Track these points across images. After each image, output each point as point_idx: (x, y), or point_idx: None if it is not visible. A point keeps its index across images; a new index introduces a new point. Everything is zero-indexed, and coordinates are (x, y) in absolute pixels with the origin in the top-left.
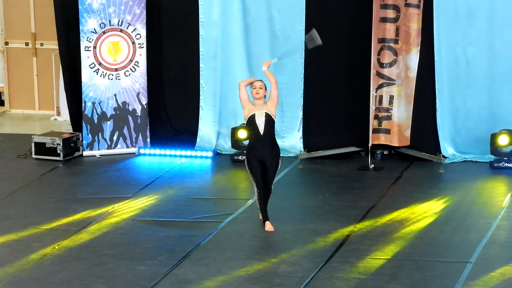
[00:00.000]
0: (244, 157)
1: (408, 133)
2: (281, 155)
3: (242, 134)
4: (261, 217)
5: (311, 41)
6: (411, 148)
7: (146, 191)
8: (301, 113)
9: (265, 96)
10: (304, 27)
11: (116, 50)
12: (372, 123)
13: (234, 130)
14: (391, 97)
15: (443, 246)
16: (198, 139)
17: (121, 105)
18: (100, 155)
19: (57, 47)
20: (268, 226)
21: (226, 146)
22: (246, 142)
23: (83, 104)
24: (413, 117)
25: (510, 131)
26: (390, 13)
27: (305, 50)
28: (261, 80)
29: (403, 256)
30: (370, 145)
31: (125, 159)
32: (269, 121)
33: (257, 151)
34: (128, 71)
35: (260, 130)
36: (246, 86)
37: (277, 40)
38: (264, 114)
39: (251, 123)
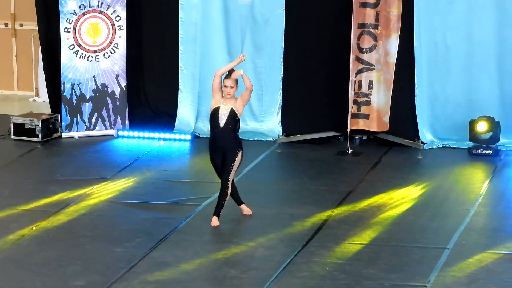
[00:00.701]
0: None
1: (387, 118)
2: (259, 138)
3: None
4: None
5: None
6: (389, 134)
7: (124, 173)
8: (280, 97)
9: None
10: (284, 11)
11: (96, 32)
12: (351, 108)
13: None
14: (371, 82)
15: (420, 232)
16: (176, 122)
17: (100, 87)
18: (78, 137)
19: (37, 28)
20: (245, 210)
21: (204, 129)
22: None
23: (62, 86)
24: (392, 102)
25: (489, 118)
26: None
27: (284, 35)
28: (233, 80)
29: (381, 241)
30: (348, 130)
31: (103, 141)
32: (233, 118)
33: (216, 147)
34: (107, 53)
35: (220, 123)
36: (222, 75)
37: (257, 24)
38: (230, 109)
39: (213, 115)
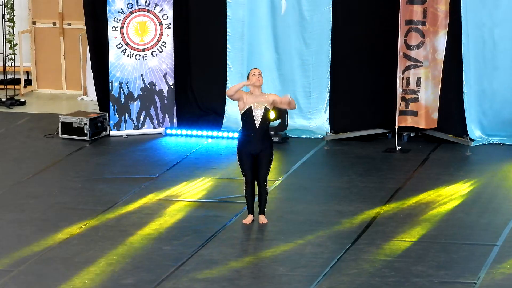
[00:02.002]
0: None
1: (435, 115)
2: (308, 136)
3: (270, 114)
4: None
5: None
6: (437, 130)
7: (172, 171)
8: (328, 95)
9: (260, 87)
10: (331, 8)
11: (143, 30)
12: (399, 105)
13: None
14: (418, 79)
15: (469, 228)
16: (224, 120)
17: (148, 85)
18: (127, 135)
19: (84, 27)
20: (248, 219)
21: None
22: (274, 123)
23: (110, 84)
24: (440, 99)
25: None
26: None
27: (332, 32)
28: (259, 70)
29: (429, 238)
30: (396, 127)
31: (151, 139)
32: (266, 115)
33: (249, 145)
34: (155, 51)
35: (256, 123)
36: (236, 91)
37: (304, 21)
38: (264, 107)
39: (247, 115)
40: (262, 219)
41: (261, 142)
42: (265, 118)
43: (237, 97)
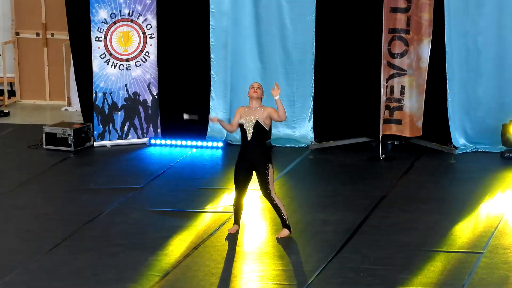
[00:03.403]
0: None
1: (420, 123)
2: (292, 145)
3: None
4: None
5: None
6: (422, 139)
7: (157, 181)
8: (312, 103)
9: (261, 99)
10: (314, 17)
11: (127, 40)
12: (383, 113)
13: None
14: (403, 88)
15: (454, 236)
16: (209, 129)
17: (131, 95)
18: (111, 146)
19: (68, 38)
20: (233, 228)
21: (237, 136)
22: None
23: (94, 95)
24: (424, 107)
25: None
26: (401, 3)
27: (315, 41)
28: (259, 83)
29: (414, 246)
30: (381, 135)
31: (136, 149)
32: (258, 127)
33: (243, 158)
34: (138, 61)
35: (248, 136)
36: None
37: (287, 30)
38: (255, 121)
39: (241, 128)
40: (281, 233)
41: (254, 156)
42: (256, 131)
43: (236, 125)
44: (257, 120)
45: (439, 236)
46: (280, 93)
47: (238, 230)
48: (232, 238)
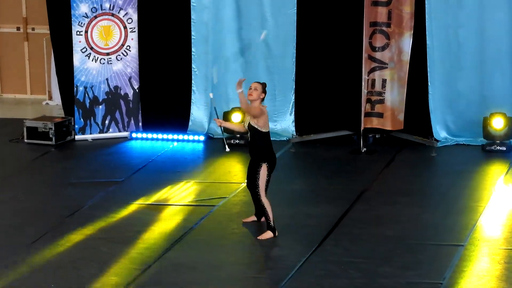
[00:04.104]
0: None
1: (401, 116)
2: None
3: (235, 117)
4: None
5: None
6: (403, 132)
7: (138, 175)
8: (293, 97)
9: (263, 99)
10: (295, 10)
11: (108, 34)
12: (365, 106)
13: (226, 114)
14: (384, 81)
15: (435, 229)
16: (190, 123)
17: (113, 89)
18: (92, 139)
19: (49, 32)
20: (248, 218)
21: (218, 130)
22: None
23: (75, 89)
24: (405, 100)
25: (502, 114)
26: None
27: (296, 35)
28: (256, 82)
29: (395, 239)
30: (362, 128)
31: (117, 143)
32: (252, 130)
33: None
34: (119, 55)
35: (249, 134)
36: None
37: (268, 24)
38: (248, 123)
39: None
40: (263, 235)
41: (252, 152)
42: (251, 131)
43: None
44: (249, 123)
45: (420, 229)
46: None
47: (254, 221)
48: (214, 231)
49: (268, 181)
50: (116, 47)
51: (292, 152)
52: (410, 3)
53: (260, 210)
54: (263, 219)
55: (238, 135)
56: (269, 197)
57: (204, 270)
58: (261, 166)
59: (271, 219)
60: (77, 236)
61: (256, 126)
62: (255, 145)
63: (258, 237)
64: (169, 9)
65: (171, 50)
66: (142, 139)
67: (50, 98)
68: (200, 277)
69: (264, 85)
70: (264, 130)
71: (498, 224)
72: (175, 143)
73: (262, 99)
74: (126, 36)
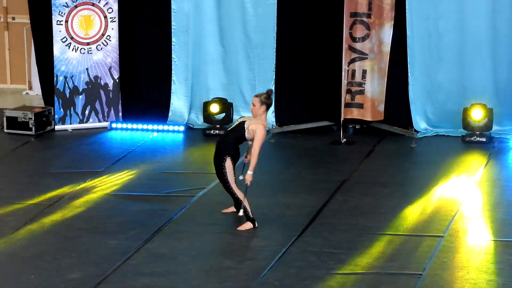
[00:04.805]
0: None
1: (381, 107)
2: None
3: (214, 108)
4: None
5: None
6: (383, 122)
7: (118, 165)
8: (274, 87)
9: (256, 115)
10: (276, 1)
11: (88, 24)
12: (345, 97)
13: (206, 104)
14: (364, 72)
15: (414, 220)
16: (170, 113)
17: (93, 79)
18: (72, 130)
19: (29, 21)
20: (227, 209)
21: (198, 121)
22: (218, 116)
23: (55, 78)
24: (386, 91)
25: (482, 105)
26: None
27: (277, 25)
28: (255, 99)
29: (375, 230)
30: (342, 119)
31: (97, 133)
32: (237, 131)
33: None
34: (100, 45)
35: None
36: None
37: (248, 14)
38: (239, 122)
39: None
40: (243, 226)
41: (218, 145)
42: (234, 129)
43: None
44: (241, 123)
45: (400, 220)
46: (242, 78)
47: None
48: (194, 222)
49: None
50: (96, 37)
51: (272, 143)
52: None
53: (237, 202)
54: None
55: (218, 126)
56: (249, 187)
57: (183, 260)
58: (225, 161)
59: (249, 210)
60: (57, 226)
61: (245, 131)
62: (226, 140)
63: (238, 228)
64: None
65: (152, 40)
66: (122, 129)
67: (30, 88)
68: (179, 267)
69: (261, 96)
70: (246, 135)
71: (478, 215)
72: (155, 134)
73: (267, 109)
74: (106, 25)
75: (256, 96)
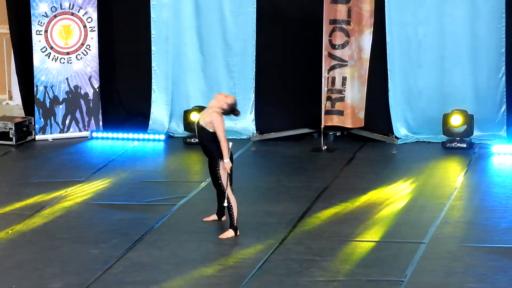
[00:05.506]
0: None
1: (362, 114)
2: (234, 137)
3: (195, 116)
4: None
5: None
6: (364, 129)
7: (99, 174)
8: (253, 95)
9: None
10: (255, 9)
11: (68, 33)
12: (325, 104)
13: (186, 113)
14: (344, 79)
15: (396, 226)
16: (150, 122)
17: (73, 88)
18: (52, 139)
19: (8, 31)
20: (208, 217)
21: (178, 129)
22: None
23: (35, 88)
24: (366, 97)
25: (462, 111)
26: None
27: (256, 33)
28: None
29: (356, 237)
30: (322, 126)
31: (77, 142)
32: (200, 130)
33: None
34: (79, 54)
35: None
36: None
37: (227, 22)
38: (197, 121)
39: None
40: (225, 233)
41: (206, 149)
42: (200, 134)
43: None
44: (199, 124)
45: (382, 226)
46: (222, 86)
47: (215, 220)
48: (175, 230)
49: (231, 178)
50: (76, 46)
51: (252, 151)
52: (370, 1)
53: (222, 209)
54: (223, 218)
55: None
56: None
57: (165, 268)
58: (219, 165)
59: (235, 218)
60: (38, 235)
61: (206, 128)
62: (206, 145)
63: (219, 236)
64: (128, 8)
65: (131, 49)
66: (102, 138)
67: (10, 98)
68: (161, 276)
69: (225, 95)
70: (211, 130)
71: (459, 221)
72: (136, 143)
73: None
74: (86, 35)
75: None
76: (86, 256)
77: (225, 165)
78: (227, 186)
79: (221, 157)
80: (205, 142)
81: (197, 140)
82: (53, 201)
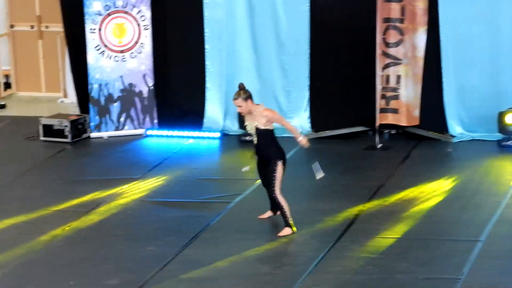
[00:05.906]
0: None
1: (417, 112)
2: (288, 136)
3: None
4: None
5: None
6: (418, 127)
7: (154, 172)
8: (308, 93)
9: (250, 111)
10: (308, 7)
11: (121, 32)
12: (379, 102)
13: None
14: (398, 77)
15: (452, 224)
16: (205, 120)
17: (127, 86)
18: (108, 137)
19: (62, 30)
20: (264, 214)
21: (233, 127)
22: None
23: (89, 86)
24: (421, 96)
25: None
26: None
27: (310, 31)
28: (238, 100)
29: (412, 235)
30: (377, 124)
31: (132, 140)
32: (260, 134)
33: (258, 158)
34: (133, 53)
35: (254, 140)
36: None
37: (280, 21)
38: (254, 128)
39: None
40: (283, 231)
41: (264, 154)
42: (258, 136)
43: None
44: (254, 125)
45: (438, 224)
46: (276, 84)
47: (270, 217)
48: (231, 228)
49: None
50: (130, 45)
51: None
52: None
53: (275, 204)
54: (279, 212)
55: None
56: (284, 193)
57: (221, 266)
58: (277, 165)
59: (289, 216)
60: (94, 232)
61: (263, 128)
62: (266, 145)
63: (278, 234)
64: (182, 6)
65: (185, 47)
66: (157, 136)
67: (65, 96)
68: (217, 273)
69: (239, 94)
70: (270, 128)
71: None
72: (191, 140)
73: (251, 100)
74: (139, 33)
75: (235, 99)
76: (142, 253)
77: (303, 141)
78: (278, 187)
79: (279, 157)
80: (264, 145)
81: (251, 138)
82: (109, 198)
